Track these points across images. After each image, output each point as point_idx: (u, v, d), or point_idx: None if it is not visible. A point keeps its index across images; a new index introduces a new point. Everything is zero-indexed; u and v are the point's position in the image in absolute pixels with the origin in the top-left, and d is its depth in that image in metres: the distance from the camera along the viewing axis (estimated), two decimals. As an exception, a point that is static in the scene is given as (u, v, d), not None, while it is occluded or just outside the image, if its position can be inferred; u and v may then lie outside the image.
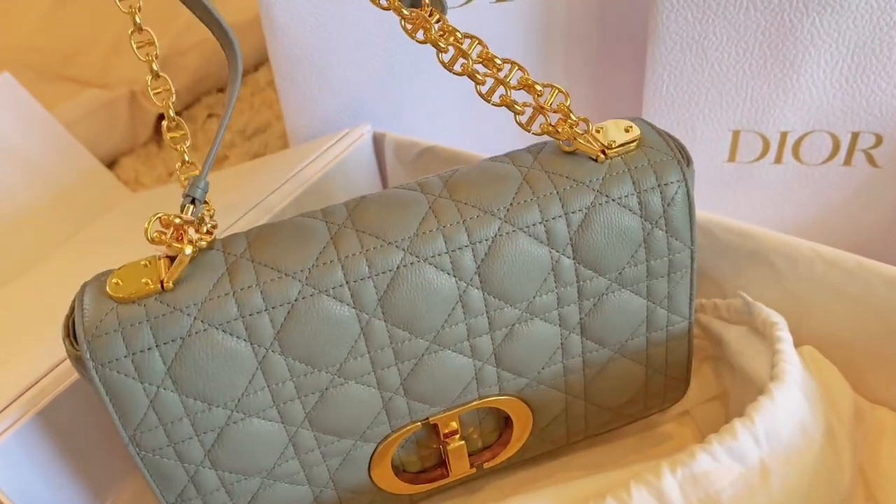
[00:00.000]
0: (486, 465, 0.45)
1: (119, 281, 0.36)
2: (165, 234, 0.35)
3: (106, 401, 0.35)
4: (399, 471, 0.43)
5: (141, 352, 0.34)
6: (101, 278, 0.36)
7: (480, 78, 0.39)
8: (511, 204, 0.38)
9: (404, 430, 0.41)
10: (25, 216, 0.82)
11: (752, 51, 0.56)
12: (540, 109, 0.39)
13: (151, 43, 0.39)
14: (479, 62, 0.40)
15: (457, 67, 0.40)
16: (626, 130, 0.40)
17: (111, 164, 0.95)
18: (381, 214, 0.38)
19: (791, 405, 0.39)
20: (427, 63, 0.65)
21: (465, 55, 0.39)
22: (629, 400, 0.46)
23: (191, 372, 0.35)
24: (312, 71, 0.64)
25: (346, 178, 0.60)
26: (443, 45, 0.39)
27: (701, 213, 0.49)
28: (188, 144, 0.41)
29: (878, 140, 0.58)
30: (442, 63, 0.40)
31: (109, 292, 0.35)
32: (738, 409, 0.47)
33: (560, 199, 0.38)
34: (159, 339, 0.34)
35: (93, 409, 0.44)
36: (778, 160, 0.61)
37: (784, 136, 0.60)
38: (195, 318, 0.35)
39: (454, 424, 0.42)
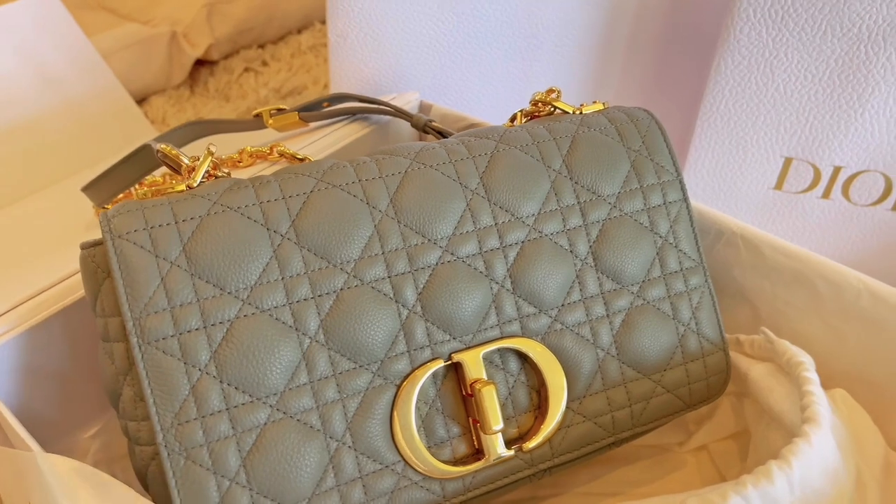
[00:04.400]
0: (524, 447, 0.40)
1: (146, 192, 0.38)
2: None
3: (116, 272, 0.34)
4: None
5: (160, 226, 0.35)
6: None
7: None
8: (505, 132, 0.43)
9: (425, 367, 0.39)
10: (49, 138, 0.80)
11: (821, 77, 0.54)
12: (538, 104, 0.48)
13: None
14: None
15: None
16: (594, 103, 0.48)
17: (141, 101, 0.93)
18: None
19: (825, 451, 0.37)
20: (477, 42, 0.63)
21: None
22: (669, 364, 0.44)
23: (206, 249, 0.35)
24: (367, 31, 0.62)
25: (385, 141, 0.58)
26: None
27: (752, 228, 0.47)
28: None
29: (933, 189, 0.57)
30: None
31: (136, 196, 0.37)
32: (760, 449, 0.46)
33: (546, 128, 0.44)
34: (178, 217, 0.35)
35: (89, 335, 0.43)
36: (826, 195, 0.60)
37: (837, 170, 0.58)
38: (214, 203, 0.36)
39: (479, 371, 0.39)
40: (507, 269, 0.41)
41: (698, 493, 0.36)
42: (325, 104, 0.57)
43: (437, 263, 0.40)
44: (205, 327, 0.35)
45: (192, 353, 0.35)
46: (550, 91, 0.47)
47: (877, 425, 0.45)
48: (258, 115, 0.57)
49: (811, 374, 0.40)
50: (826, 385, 0.46)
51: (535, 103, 0.47)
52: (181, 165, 0.40)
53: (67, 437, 0.45)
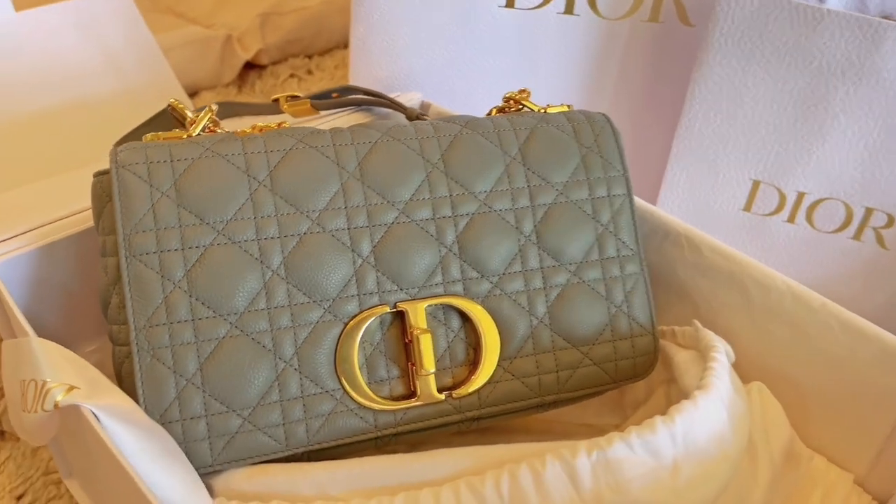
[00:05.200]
0: (455, 394, 0.45)
1: (152, 137, 0.45)
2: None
3: (115, 195, 0.41)
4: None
5: (157, 162, 0.42)
6: None
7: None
8: (471, 119, 0.50)
9: (372, 310, 0.44)
10: (107, 117, 0.90)
11: (785, 106, 0.59)
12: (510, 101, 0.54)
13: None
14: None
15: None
16: (560, 105, 0.53)
17: (192, 95, 1.03)
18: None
19: (712, 414, 0.41)
20: (483, 56, 0.70)
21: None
22: (598, 339, 0.48)
23: (192, 185, 0.42)
24: (383, 38, 0.69)
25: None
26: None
27: (695, 230, 0.52)
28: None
29: (890, 221, 0.60)
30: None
31: (143, 140, 0.44)
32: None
33: (509, 120, 0.50)
34: (174, 157, 0.42)
35: (95, 262, 0.49)
36: (791, 219, 0.63)
37: (801, 196, 0.62)
38: (207, 149, 0.43)
39: (421, 321, 0.44)
40: (456, 236, 0.46)
41: (592, 440, 0.40)
42: (335, 94, 0.64)
43: (392, 222, 0.45)
44: (182, 249, 0.42)
45: (169, 269, 0.41)
46: (522, 91, 0.53)
47: (794, 419, 0.49)
48: (276, 100, 0.64)
49: (718, 355, 0.44)
50: (749, 378, 0.50)
51: (506, 100, 0.53)
52: (186, 118, 0.47)
53: (70, 349, 0.51)
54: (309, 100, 0.63)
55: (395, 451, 0.49)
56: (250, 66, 1.08)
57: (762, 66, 0.58)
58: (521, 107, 0.52)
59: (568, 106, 0.53)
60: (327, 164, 0.45)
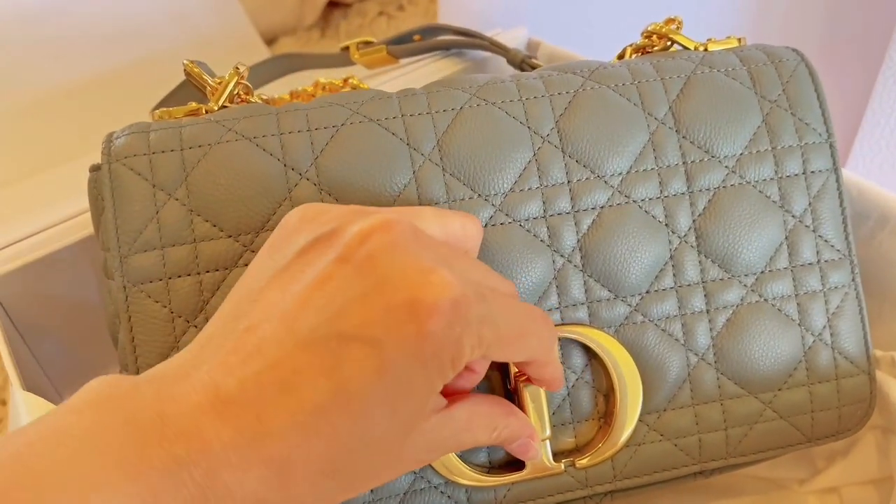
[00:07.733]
0: (579, 463, 0.33)
1: (163, 114, 0.34)
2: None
3: (108, 201, 0.30)
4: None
5: (162, 152, 0.31)
6: None
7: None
8: (598, 66, 0.35)
9: None
10: (164, 73, 0.80)
11: None
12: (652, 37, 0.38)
13: None
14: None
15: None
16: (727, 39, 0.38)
17: (270, 42, 0.91)
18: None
19: None
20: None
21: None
22: (786, 382, 0.34)
23: (209, 183, 0.31)
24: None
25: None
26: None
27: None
28: None
29: None
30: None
31: (153, 118, 0.34)
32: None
33: (654, 65, 0.35)
34: (185, 144, 0.31)
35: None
36: None
37: None
38: (229, 130, 0.32)
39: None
40: (578, 240, 0.33)
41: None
42: (417, 37, 0.50)
43: (486, 223, 0.32)
44: (199, 274, 0.30)
45: (181, 304, 0.30)
46: (670, 21, 0.37)
47: None
48: (345, 49, 0.51)
49: None
50: None
51: (647, 35, 0.37)
52: (206, 87, 0.35)
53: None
54: (385, 46, 0.50)
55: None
56: (334, 5, 0.95)
57: None
58: (669, 44, 0.37)
59: (738, 39, 0.37)
60: (393, 144, 0.32)
